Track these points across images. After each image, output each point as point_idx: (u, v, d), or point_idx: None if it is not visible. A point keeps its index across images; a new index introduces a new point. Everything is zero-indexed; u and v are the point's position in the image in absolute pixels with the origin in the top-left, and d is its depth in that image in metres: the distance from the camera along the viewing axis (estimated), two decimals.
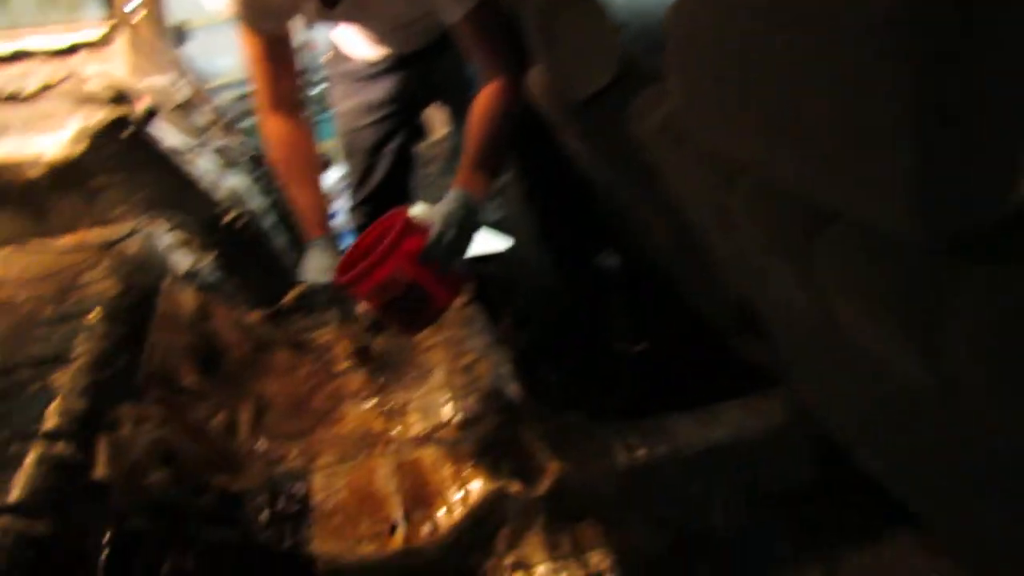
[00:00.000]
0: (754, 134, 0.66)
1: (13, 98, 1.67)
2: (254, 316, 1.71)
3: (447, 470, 1.24)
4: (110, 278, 1.34)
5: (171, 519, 1.02)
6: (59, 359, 1.11)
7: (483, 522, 1.15)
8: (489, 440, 1.27)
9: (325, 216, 1.44)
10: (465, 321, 1.77)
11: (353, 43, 1.73)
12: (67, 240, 1.52)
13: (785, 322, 0.97)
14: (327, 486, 1.23)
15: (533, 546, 1.13)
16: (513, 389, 1.51)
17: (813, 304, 0.72)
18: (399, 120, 1.89)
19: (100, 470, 0.97)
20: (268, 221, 1.90)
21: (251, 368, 1.58)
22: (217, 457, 1.24)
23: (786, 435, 1.27)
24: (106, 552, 0.89)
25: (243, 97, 2.95)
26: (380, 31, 1.65)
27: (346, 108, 1.90)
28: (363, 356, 1.61)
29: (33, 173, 1.56)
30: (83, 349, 1.13)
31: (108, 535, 0.91)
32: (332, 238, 1.42)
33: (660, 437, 1.27)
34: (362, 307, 1.43)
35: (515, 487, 1.17)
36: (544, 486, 1.17)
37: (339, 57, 1.85)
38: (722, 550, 1.21)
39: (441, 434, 1.41)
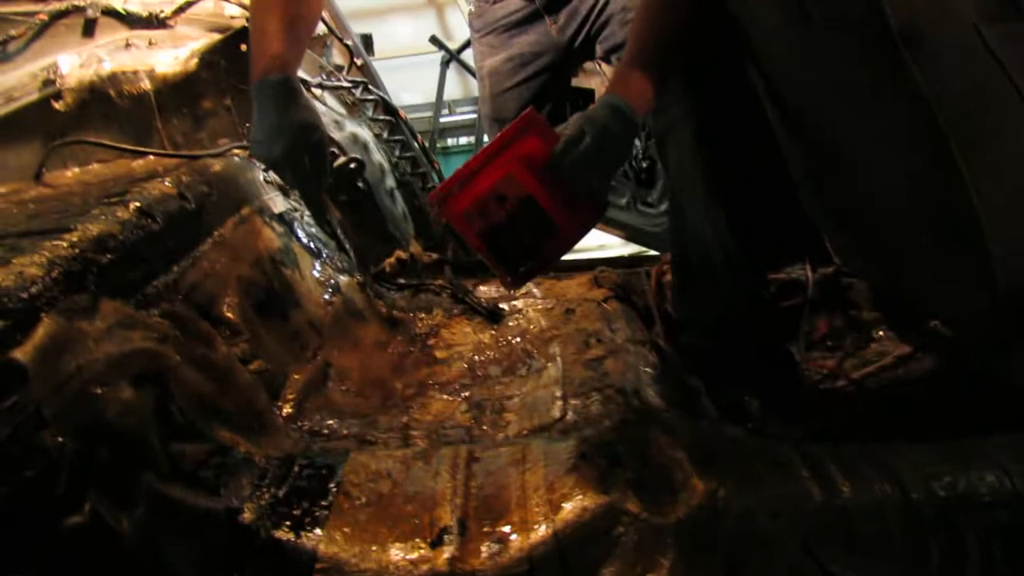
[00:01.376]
0: None
1: (150, 20, 1.57)
2: (347, 280, 1.42)
3: (536, 473, 0.83)
4: (172, 184, 1.10)
5: (115, 455, 0.70)
6: (60, 231, 0.85)
7: (577, 550, 0.73)
8: (605, 441, 0.84)
9: (296, 55, 1.04)
10: (603, 315, 1.37)
11: None
12: (156, 159, 1.34)
13: None
14: (366, 468, 0.86)
15: None
16: (652, 393, 1.08)
17: None
18: (550, 77, 1.58)
19: (25, 351, 0.67)
20: (387, 183, 1.64)
21: (328, 332, 1.27)
22: (234, 408, 0.92)
23: None
24: None
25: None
26: None
27: (493, 65, 1.63)
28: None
29: (144, 86, 1.41)
30: (90, 228, 0.87)
31: None
32: (294, 85, 0.99)
33: (877, 471, 0.79)
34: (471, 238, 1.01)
35: (634, 505, 0.74)
36: (681, 510, 0.73)
37: (483, 1, 1.60)
38: None
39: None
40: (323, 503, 0.80)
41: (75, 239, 0.85)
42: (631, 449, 0.83)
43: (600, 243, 3.51)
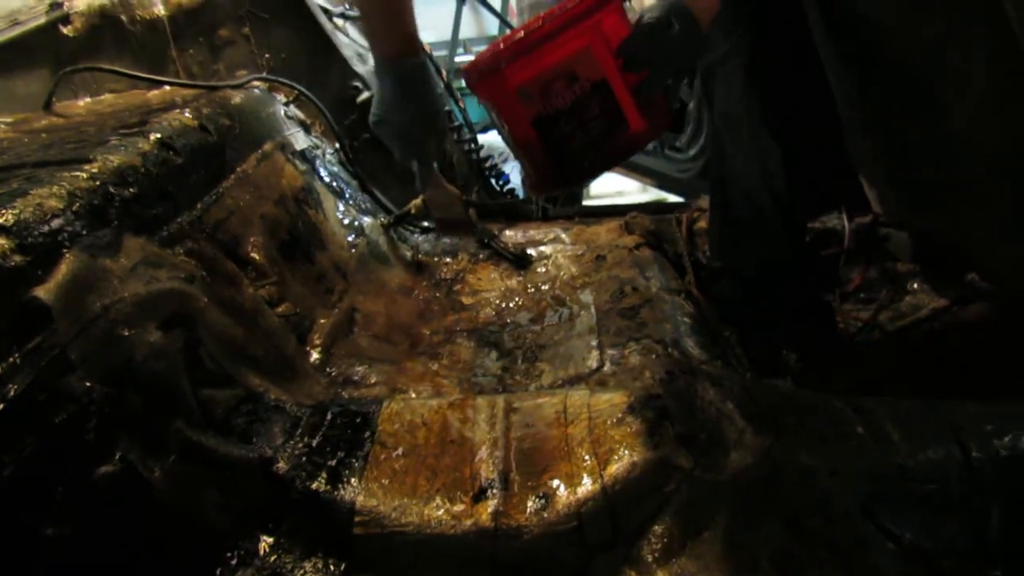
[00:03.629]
0: None
1: None
2: (371, 222, 1.37)
3: (581, 425, 0.79)
4: (190, 117, 1.04)
5: (145, 401, 0.66)
6: (79, 161, 0.80)
7: (626, 508, 0.69)
8: (652, 394, 0.81)
9: (414, 30, 0.93)
10: (635, 262, 1.32)
11: None
12: (172, 88, 1.27)
13: None
14: (401, 418, 0.83)
15: (704, 558, 0.65)
16: (692, 344, 1.04)
17: None
18: None
19: (48, 290, 0.63)
20: None
21: (353, 276, 1.23)
22: (262, 353, 0.88)
23: None
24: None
25: None
26: None
27: None
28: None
29: (158, 11, 1.33)
30: (111, 159, 0.82)
31: (19, 384, 0.57)
32: (424, 64, 0.91)
33: (936, 428, 0.75)
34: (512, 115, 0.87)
35: (685, 460, 0.71)
36: (735, 466, 0.69)
37: None
38: None
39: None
40: (359, 453, 0.77)
41: (95, 170, 0.80)
42: (679, 402, 0.80)
43: (618, 189, 3.44)
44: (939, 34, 0.84)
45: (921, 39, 0.87)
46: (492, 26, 4.13)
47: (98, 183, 0.77)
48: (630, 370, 0.97)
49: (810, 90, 1.09)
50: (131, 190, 0.80)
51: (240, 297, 0.89)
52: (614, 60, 0.80)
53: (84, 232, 0.72)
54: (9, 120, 1.21)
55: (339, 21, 1.47)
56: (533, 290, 1.31)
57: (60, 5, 1.31)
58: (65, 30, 1.30)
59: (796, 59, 1.07)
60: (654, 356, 0.99)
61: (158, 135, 0.93)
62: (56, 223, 0.69)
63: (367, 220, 1.36)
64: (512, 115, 0.85)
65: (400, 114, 0.94)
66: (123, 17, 1.34)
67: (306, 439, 0.79)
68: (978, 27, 0.80)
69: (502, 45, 0.82)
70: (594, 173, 0.92)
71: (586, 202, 1.87)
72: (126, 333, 0.68)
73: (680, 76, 0.89)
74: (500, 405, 0.85)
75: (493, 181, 1.74)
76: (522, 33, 0.82)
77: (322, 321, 1.09)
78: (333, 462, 0.76)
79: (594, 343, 1.07)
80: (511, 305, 1.28)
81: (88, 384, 0.63)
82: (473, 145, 1.71)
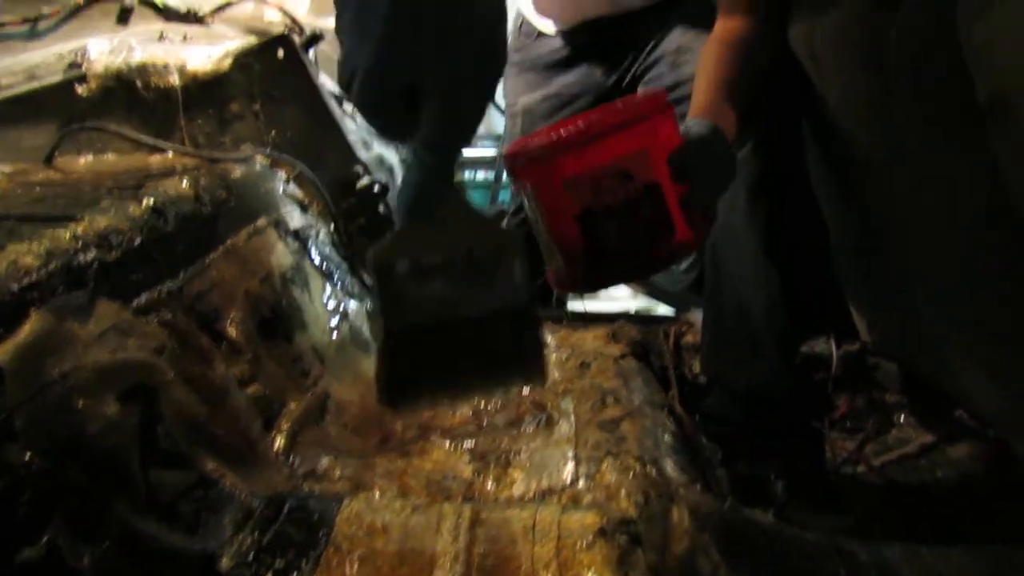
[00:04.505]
0: None
1: (188, 16, 1.53)
2: (357, 306, 1.35)
3: (548, 545, 0.75)
4: (188, 186, 1.04)
5: (89, 477, 0.62)
6: (65, 220, 0.79)
7: None
8: (625, 518, 0.77)
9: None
10: (620, 372, 1.30)
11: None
12: (175, 156, 1.28)
13: None
14: (361, 519, 0.78)
15: None
16: (671, 464, 1.01)
17: None
18: None
19: (5, 351, 0.60)
20: None
21: (332, 361, 1.20)
22: (224, 434, 0.84)
23: None
24: None
25: None
26: None
27: (528, 103, 1.58)
28: None
29: (172, 80, 1.36)
30: (98, 220, 0.81)
31: None
32: None
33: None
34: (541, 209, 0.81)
35: None
36: None
37: (525, 36, 1.55)
38: None
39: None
40: (312, 554, 0.72)
41: (80, 230, 0.78)
42: (653, 528, 0.76)
43: (608, 294, 3.45)
44: (918, 175, 0.86)
45: (900, 179, 0.88)
46: (499, 124, 4.24)
47: (80, 243, 0.75)
48: (605, 487, 0.93)
49: (806, 214, 1.10)
50: (113, 254, 0.79)
51: (210, 374, 0.86)
52: (667, 167, 0.79)
53: (57, 293, 0.69)
54: (8, 170, 1.21)
55: (348, 107, 1.50)
56: (514, 392, 1.28)
57: (79, 65, 1.33)
58: (79, 90, 1.32)
59: (797, 182, 1.09)
60: (631, 475, 0.95)
61: (151, 200, 0.92)
62: (27, 281, 0.67)
63: (353, 304, 1.34)
64: (556, 207, 0.80)
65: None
66: (138, 82, 1.36)
67: (256, 534, 0.74)
68: (958, 167, 0.81)
69: (559, 134, 0.79)
70: (629, 277, 0.88)
71: (574, 302, 1.87)
72: (82, 403, 0.65)
73: (721, 191, 0.88)
74: (466, 515, 0.81)
75: None
76: (581, 124, 0.80)
77: (293, 405, 1.05)
78: (281, 563, 0.71)
79: (571, 454, 1.04)
80: (489, 406, 1.24)
81: (28, 455, 0.59)
82: None
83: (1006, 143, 0.74)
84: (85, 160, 1.28)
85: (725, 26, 1.01)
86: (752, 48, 0.98)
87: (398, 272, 0.73)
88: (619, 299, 3.28)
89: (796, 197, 1.06)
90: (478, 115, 0.69)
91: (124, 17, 1.55)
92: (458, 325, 0.76)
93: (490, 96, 0.69)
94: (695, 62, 1.02)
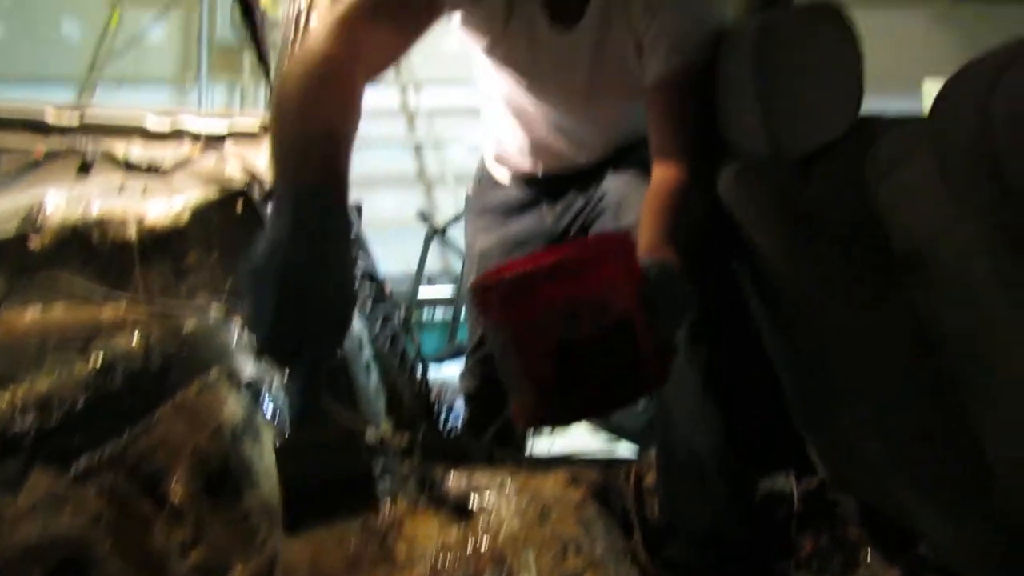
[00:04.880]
0: None
1: (151, 169, 1.57)
2: None
3: None
4: (138, 340, 1.02)
5: None
6: (2, 382, 0.77)
7: None
8: None
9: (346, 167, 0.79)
10: (580, 520, 1.27)
11: (508, 151, 1.50)
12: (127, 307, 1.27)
13: None
14: None
15: None
16: None
17: None
18: None
19: None
20: (364, 355, 1.58)
21: (278, 516, 1.15)
22: None
23: None
24: None
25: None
26: (549, 119, 1.37)
27: (485, 247, 1.63)
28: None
29: (129, 233, 1.37)
30: (39, 383, 0.79)
31: None
32: (343, 195, 0.76)
33: None
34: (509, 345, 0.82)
35: None
36: None
37: (485, 185, 1.63)
38: None
39: None
40: None
41: (20, 394, 0.76)
42: None
43: (567, 431, 3.42)
44: (845, 319, 0.90)
45: (829, 320, 0.92)
46: (457, 264, 4.34)
47: (16, 409, 0.73)
48: None
49: (748, 353, 1.13)
50: (53, 419, 0.76)
51: (148, 543, 0.81)
52: (637, 301, 0.80)
53: None
54: None
55: None
56: (473, 545, 1.24)
57: (34, 220, 1.34)
58: (32, 243, 1.32)
59: (736, 323, 1.12)
60: None
61: (98, 359, 0.90)
62: None
63: None
64: (528, 340, 0.79)
65: (300, 256, 0.67)
66: (94, 235, 1.37)
67: None
68: (879, 311, 0.85)
69: (537, 265, 0.81)
70: (600, 411, 0.88)
71: (538, 440, 1.86)
72: None
73: (681, 324, 0.90)
74: None
75: (441, 420, 1.72)
76: (553, 259, 0.82)
77: (239, 567, 0.99)
78: None
79: None
80: (448, 562, 1.19)
81: None
82: (425, 382, 1.71)
83: (925, 292, 0.79)
84: (32, 311, 1.26)
85: (662, 176, 1.08)
86: (688, 200, 1.04)
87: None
88: (577, 434, 3.25)
89: (736, 337, 1.10)
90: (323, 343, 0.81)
91: (85, 168, 1.58)
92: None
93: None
94: (637, 210, 1.08)
